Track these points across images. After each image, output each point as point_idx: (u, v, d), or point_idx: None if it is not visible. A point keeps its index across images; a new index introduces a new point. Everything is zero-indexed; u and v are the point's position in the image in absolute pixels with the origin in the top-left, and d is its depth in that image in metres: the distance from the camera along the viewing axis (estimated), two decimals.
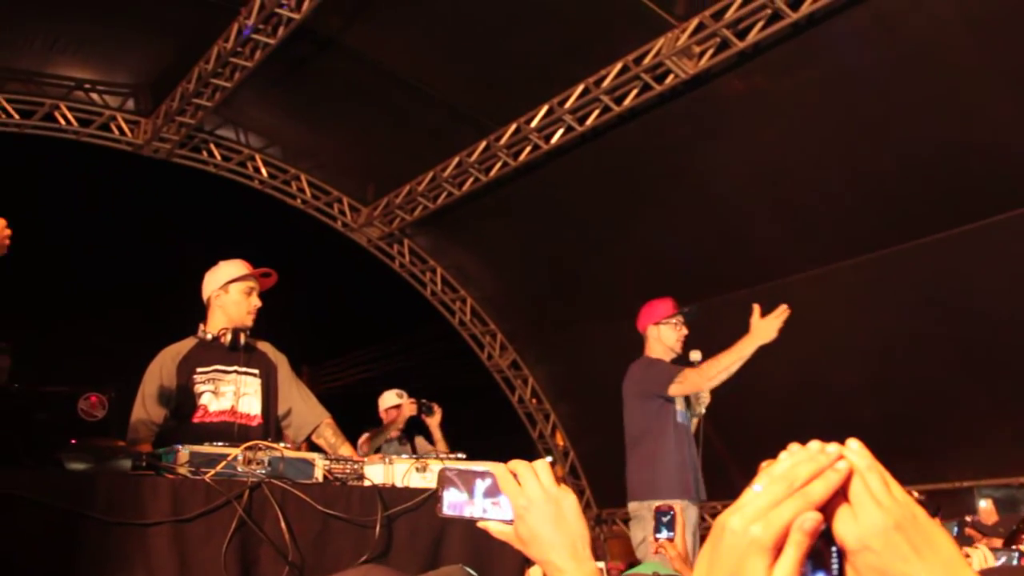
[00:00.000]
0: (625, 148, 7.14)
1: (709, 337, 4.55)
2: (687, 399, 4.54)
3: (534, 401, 9.84)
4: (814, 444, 0.75)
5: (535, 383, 9.78)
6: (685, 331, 4.60)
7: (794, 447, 0.76)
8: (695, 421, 4.56)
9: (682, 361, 4.50)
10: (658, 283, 7.31)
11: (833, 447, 0.75)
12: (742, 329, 6.50)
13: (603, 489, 9.64)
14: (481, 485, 1.26)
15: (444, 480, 1.27)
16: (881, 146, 6.06)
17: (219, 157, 8.55)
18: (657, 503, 3.04)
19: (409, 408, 6.04)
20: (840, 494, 0.74)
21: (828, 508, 0.73)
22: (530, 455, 10.34)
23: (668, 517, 2.91)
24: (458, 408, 6.45)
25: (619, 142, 7.09)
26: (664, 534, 2.91)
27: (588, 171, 7.56)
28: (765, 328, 4.27)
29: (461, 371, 10.49)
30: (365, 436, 6.05)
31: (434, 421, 6.06)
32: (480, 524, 1.27)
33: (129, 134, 8.11)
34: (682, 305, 4.66)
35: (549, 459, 10.41)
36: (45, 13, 6.95)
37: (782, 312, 4.30)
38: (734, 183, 6.91)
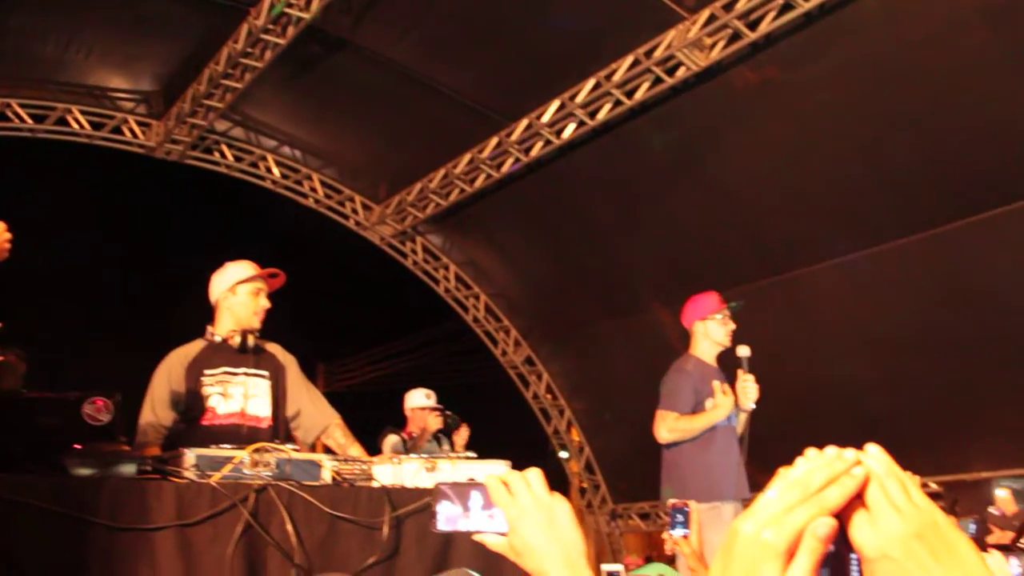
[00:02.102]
0: (637, 142, 7.09)
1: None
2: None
3: (549, 397, 9.82)
4: (831, 449, 0.75)
5: (549, 379, 9.76)
6: (733, 325, 4.50)
7: (811, 452, 0.75)
8: (743, 417, 4.44)
9: (730, 355, 4.44)
10: (672, 278, 7.28)
11: (850, 452, 0.74)
12: (756, 323, 6.46)
13: (618, 484, 9.62)
14: (476, 498, 1.26)
15: (439, 494, 1.27)
16: (896, 136, 5.99)
17: (231, 158, 8.56)
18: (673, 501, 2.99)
19: (435, 422, 6.05)
20: (859, 501, 0.73)
21: (846, 515, 0.73)
22: (545, 451, 10.37)
23: (683, 514, 2.88)
24: (472, 405, 6.43)
25: (631, 136, 7.04)
26: (679, 531, 2.88)
27: (600, 165, 7.52)
28: (741, 395, 4.32)
29: (475, 368, 10.48)
30: (390, 440, 5.99)
31: (460, 438, 6.06)
32: (476, 538, 1.27)
33: (141, 136, 8.13)
34: (728, 300, 4.57)
35: (564, 455, 10.39)
36: (57, 19, 6.97)
37: (748, 379, 4.34)
38: (747, 175, 6.86)
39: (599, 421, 9.53)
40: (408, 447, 5.92)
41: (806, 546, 0.71)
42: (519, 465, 1.29)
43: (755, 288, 7.16)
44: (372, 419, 6.46)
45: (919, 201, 6.19)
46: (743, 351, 4.37)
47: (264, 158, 8.66)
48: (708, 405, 4.37)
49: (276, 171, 8.74)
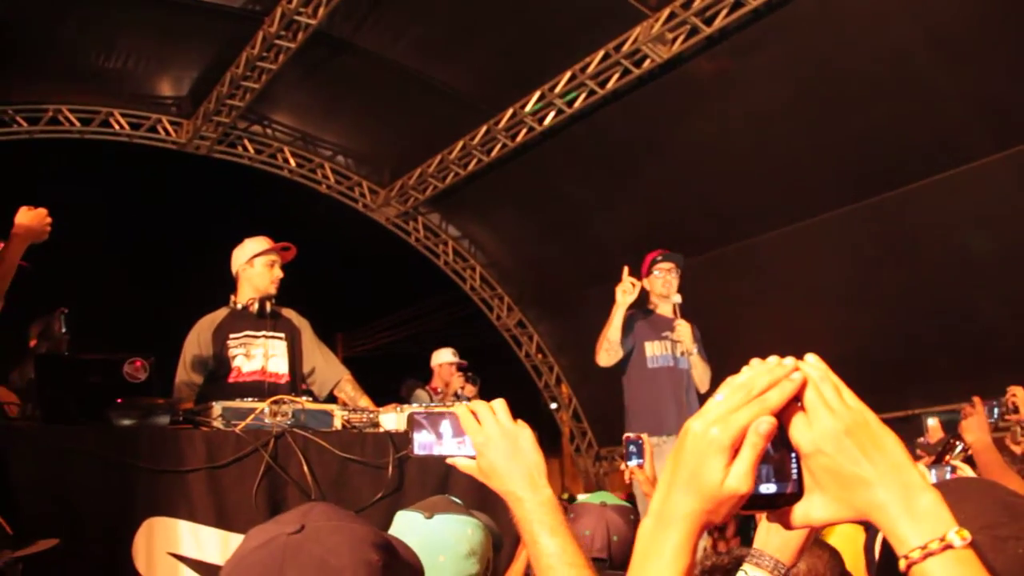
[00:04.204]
0: (610, 127, 7.09)
1: (687, 292, 4.49)
2: (671, 343, 4.41)
3: (539, 356, 9.86)
4: (772, 358, 0.74)
5: (539, 339, 9.79)
6: (670, 277, 4.42)
7: (755, 361, 0.74)
8: (694, 359, 4.34)
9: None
10: (642, 248, 7.28)
11: (789, 360, 0.74)
12: (718, 285, 6.49)
13: (602, 430, 9.68)
14: (447, 426, 1.25)
15: (413, 423, 1.26)
16: (834, 117, 5.99)
17: (252, 151, 8.53)
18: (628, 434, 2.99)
19: (457, 380, 6.03)
20: (797, 403, 0.72)
21: (785, 415, 0.72)
22: (537, 403, 10.40)
23: (637, 446, 2.88)
24: (472, 365, 6.45)
25: (604, 122, 7.03)
26: (634, 461, 2.88)
27: (578, 149, 7.50)
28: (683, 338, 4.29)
29: (473, 332, 10.52)
30: (418, 392, 5.97)
31: (474, 391, 6.04)
32: (448, 461, 1.26)
33: (174, 134, 8.09)
34: (676, 261, 4.50)
35: (554, 406, 10.46)
36: (97, 33, 6.93)
37: (679, 323, 4.30)
38: (707, 155, 6.84)
39: (583, 375, 9.59)
40: (433, 400, 5.94)
41: (749, 442, 0.70)
42: (515, 417, 1.27)
43: (717, 254, 7.19)
44: (388, 379, 6.49)
45: (855, 175, 6.20)
46: (676, 298, 4.34)
47: (281, 150, 8.63)
48: (647, 348, 4.35)
49: (292, 161, 8.71)
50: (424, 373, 6.39)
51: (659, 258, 4.47)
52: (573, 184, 7.99)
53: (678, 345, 4.37)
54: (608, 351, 4.27)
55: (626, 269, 4.25)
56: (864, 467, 0.69)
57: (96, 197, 8.77)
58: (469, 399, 6.21)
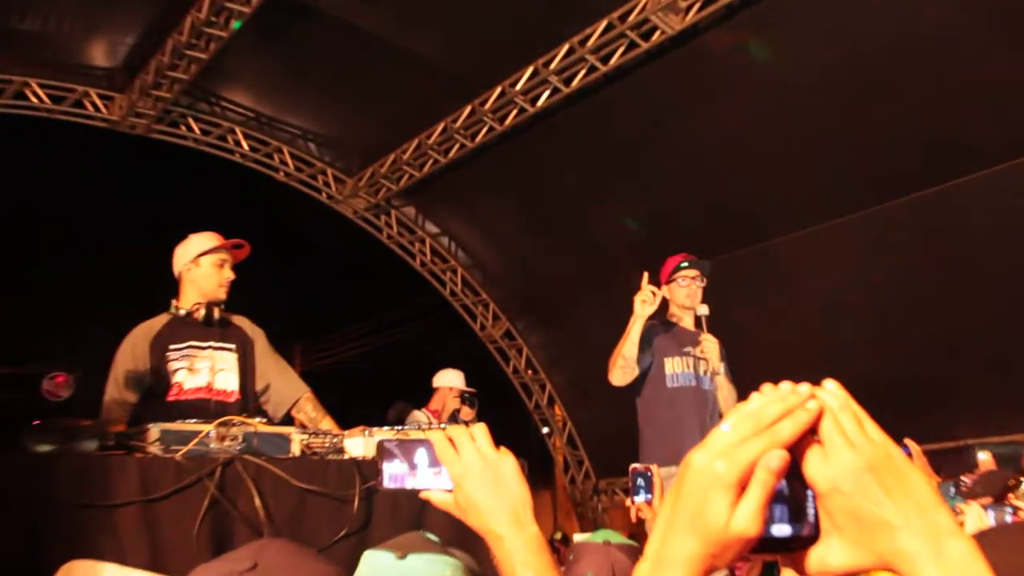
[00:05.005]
0: (612, 109, 7.07)
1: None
2: (694, 360, 4.37)
3: (529, 372, 9.84)
4: (785, 384, 0.75)
5: (529, 352, 9.77)
6: (694, 286, 4.40)
7: (766, 387, 0.75)
8: (720, 381, 4.30)
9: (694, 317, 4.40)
10: (648, 247, 7.26)
11: (805, 387, 0.75)
12: (734, 292, 6.46)
13: (602, 459, 9.67)
14: (422, 454, 1.25)
15: (384, 452, 1.26)
16: (873, 100, 5.99)
17: (198, 131, 8.47)
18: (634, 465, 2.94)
19: (453, 403, 6.21)
20: (813, 435, 0.73)
21: (800, 449, 0.73)
22: (526, 427, 10.38)
23: (645, 479, 2.83)
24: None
25: (607, 103, 7.01)
26: (642, 496, 2.83)
27: (576, 134, 7.49)
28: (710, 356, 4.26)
29: (454, 343, 10.49)
30: (415, 415, 6.12)
31: (471, 414, 6.20)
32: (423, 495, 1.26)
33: (104, 111, 8.01)
34: (695, 264, 4.45)
35: (545, 430, 10.43)
36: None
37: (706, 338, 4.27)
38: (724, 142, 6.84)
39: (581, 395, 9.56)
40: (434, 424, 5.96)
41: (758, 478, 0.71)
42: (499, 443, 1.28)
43: (731, 257, 7.17)
44: (355, 396, 6.48)
45: (893, 167, 6.21)
46: (702, 310, 4.32)
47: (232, 131, 8.58)
48: (667, 365, 4.33)
49: (245, 144, 8.66)
50: (405, 392, 6.47)
51: (683, 264, 4.44)
52: (570, 174, 7.97)
53: (702, 363, 4.34)
54: (623, 369, 4.24)
55: (645, 276, 4.22)
56: (887, 509, 0.70)
57: (3, 182, 8.67)
58: (467, 423, 6.21)
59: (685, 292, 4.43)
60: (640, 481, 2.84)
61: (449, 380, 6.40)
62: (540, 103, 7.12)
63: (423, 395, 6.38)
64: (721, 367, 4.33)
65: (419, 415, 6.16)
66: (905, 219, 6.38)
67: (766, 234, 7.18)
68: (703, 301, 4.39)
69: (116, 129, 8.10)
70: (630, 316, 4.20)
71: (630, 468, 2.94)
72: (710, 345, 4.29)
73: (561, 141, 7.62)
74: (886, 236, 6.53)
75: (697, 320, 4.36)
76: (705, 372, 4.35)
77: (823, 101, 6.17)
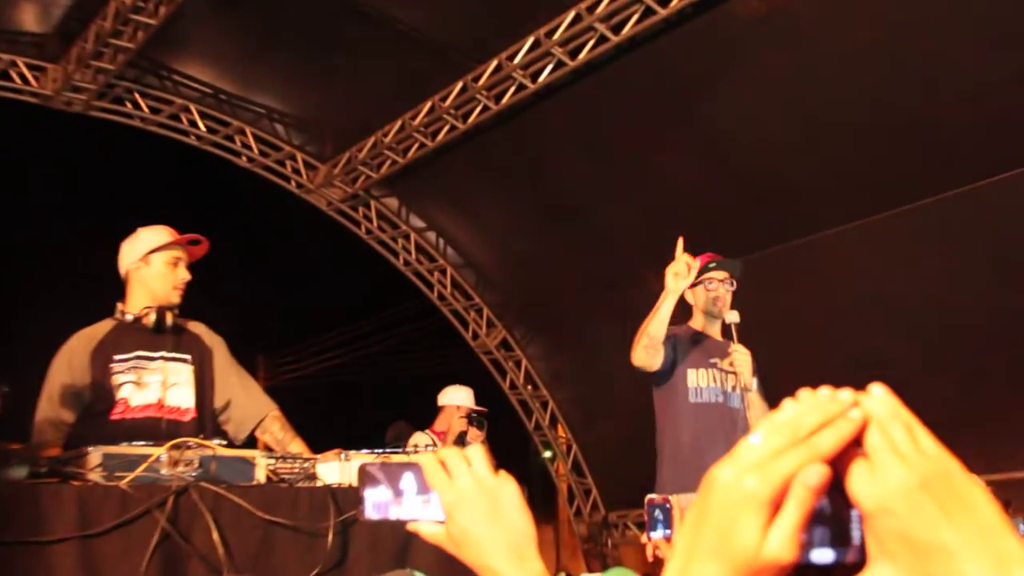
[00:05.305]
0: (625, 85, 7.09)
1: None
2: (722, 374, 4.37)
3: (529, 387, 9.85)
4: (825, 389, 0.75)
5: (529, 365, 9.79)
6: (723, 290, 4.40)
7: (803, 393, 0.75)
8: (751, 398, 4.28)
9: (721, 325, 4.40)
10: (664, 244, 7.25)
11: (847, 393, 0.74)
12: (763, 295, 6.45)
13: (612, 487, 9.68)
14: (410, 480, 1.23)
15: (366, 476, 1.24)
16: (925, 78, 6.01)
17: (146, 109, 8.47)
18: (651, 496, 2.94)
19: (459, 423, 6.27)
20: (857, 447, 0.73)
21: (842, 464, 0.72)
22: (525, 451, 10.37)
23: (663, 511, 2.84)
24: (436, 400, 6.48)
25: (618, 78, 7.03)
26: (659, 532, 2.84)
27: (582, 115, 7.51)
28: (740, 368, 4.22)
29: (442, 355, 10.50)
30: (417, 437, 6.19)
31: (479, 435, 6.23)
32: (409, 527, 1.25)
33: (34, 84, 7.99)
34: (723, 265, 4.45)
35: (548, 454, 10.44)
36: None
37: (737, 348, 4.22)
38: (753, 124, 6.87)
39: (588, 414, 9.57)
40: (438, 446, 5.99)
41: (794, 496, 0.70)
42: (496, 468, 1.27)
43: (761, 255, 7.17)
44: (326, 416, 6.49)
45: (945, 156, 6.23)
46: (731, 317, 4.29)
47: (186, 109, 8.58)
48: (690, 377, 4.32)
49: (201, 125, 8.66)
50: (396, 411, 6.50)
51: (712, 264, 4.43)
52: (576, 160, 8.00)
53: (731, 377, 4.33)
54: (647, 348, 4.21)
55: (680, 242, 4.19)
56: (945, 532, 0.69)
57: None
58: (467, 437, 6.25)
59: (713, 296, 4.42)
60: (657, 514, 2.85)
61: (456, 398, 6.45)
62: (542, 79, 7.13)
63: (407, 413, 6.42)
64: (753, 383, 4.30)
65: (421, 437, 6.22)
66: (961, 213, 6.40)
67: (800, 230, 7.21)
68: (732, 307, 4.37)
69: (49, 105, 8.08)
70: (642, 321, 4.19)
71: (646, 499, 2.94)
72: (741, 358, 4.24)
73: (565, 122, 7.64)
74: (937, 231, 6.56)
75: (726, 329, 4.34)
76: (734, 388, 4.33)
77: (865, 74, 6.17)
